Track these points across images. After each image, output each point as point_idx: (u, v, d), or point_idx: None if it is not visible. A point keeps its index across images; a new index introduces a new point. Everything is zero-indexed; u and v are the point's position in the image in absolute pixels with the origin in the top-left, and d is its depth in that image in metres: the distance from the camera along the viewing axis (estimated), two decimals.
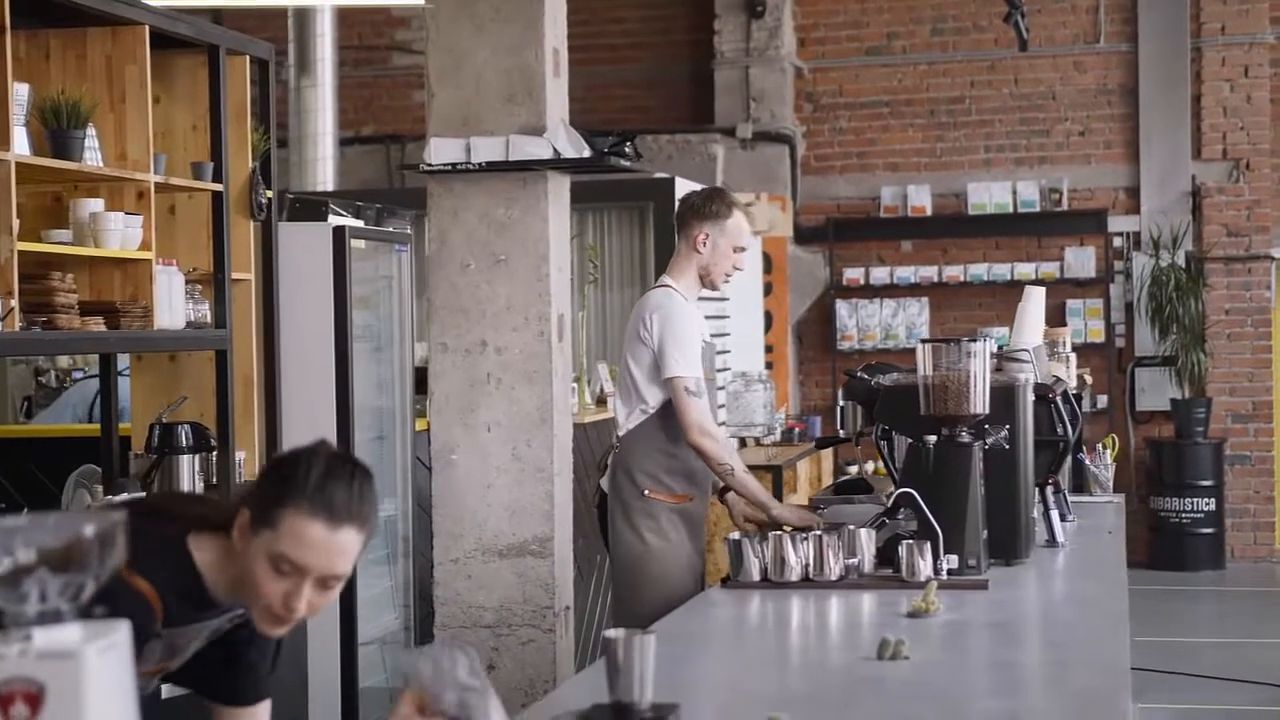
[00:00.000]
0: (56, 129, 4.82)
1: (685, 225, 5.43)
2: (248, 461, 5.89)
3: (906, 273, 13.00)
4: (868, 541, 4.33)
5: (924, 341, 4.46)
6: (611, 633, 2.75)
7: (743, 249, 5.41)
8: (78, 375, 8.34)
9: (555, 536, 5.99)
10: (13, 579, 1.74)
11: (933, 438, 4.39)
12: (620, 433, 5.39)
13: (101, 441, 5.69)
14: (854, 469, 12.29)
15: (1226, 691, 8.54)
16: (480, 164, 5.91)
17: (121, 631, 1.77)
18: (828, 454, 11.43)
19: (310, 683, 5.95)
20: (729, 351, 10.70)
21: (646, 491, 5.25)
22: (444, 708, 2.44)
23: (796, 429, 11.20)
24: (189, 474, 5.44)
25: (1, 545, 1.74)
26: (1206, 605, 11.60)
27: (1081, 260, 12.78)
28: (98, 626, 1.77)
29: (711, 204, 5.39)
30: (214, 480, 5.63)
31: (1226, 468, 12.57)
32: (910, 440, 4.50)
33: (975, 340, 4.42)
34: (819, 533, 4.32)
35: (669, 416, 5.22)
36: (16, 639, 1.73)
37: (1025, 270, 12.71)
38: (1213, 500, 12.38)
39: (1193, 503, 12.36)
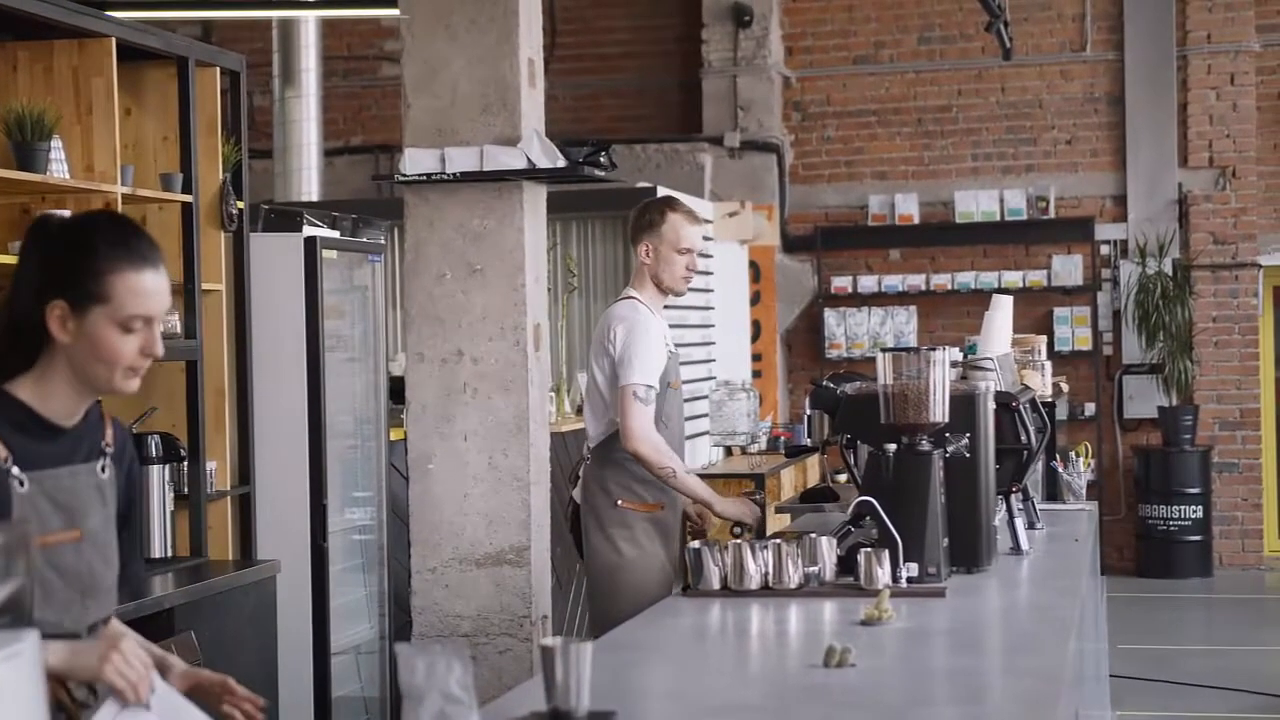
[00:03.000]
0: (21, 141, 4.84)
1: (632, 240, 5.52)
2: (219, 472, 5.90)
3: (894, 281, 13.01)
4: (829, 550, 4.34)
5: (884, 350, 4.47)
6: (548, 641, 2.77)
7: (688, 250, 5.42)
8: None
9: (532, 545, 6.00)
10: None
11: (892, 446, 4.39)
12: (591, 444, 5.44)
13: None
14: (843, 477, 12.29)
15: (1212, 699, 8.54)
16: (455, 174, 5.93)
17: (28, 641, 1.79)
18: (814, 462, 11.42)
19: (281, 693, 5.95)
20: (714, 360, 10.72)
21: (620, 502, 5.29)
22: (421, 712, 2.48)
23: (783, 438, 11.20)
24: (159, 485, 5.45)
25: None
26: (1194, 613, 11.61)
27: (1069, 268, 12.79)
28: (6, 636, 1.78)
29: (645, 215, 5.47)
30: (184, 491, 5.64)
31: (1214, 475, 12.58)
32: (871, 449, 4.51)
33: (935, 349, 4.43)
34: (778, 541, 4.33)
35: None
36: None
37: (1013, 278, 12.72)
38: (1200, 508, 12.39)
39: (1180, 510, 12.36)
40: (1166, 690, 8.74)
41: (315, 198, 10.73)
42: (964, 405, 4.53)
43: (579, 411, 8.02)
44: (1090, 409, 12.68)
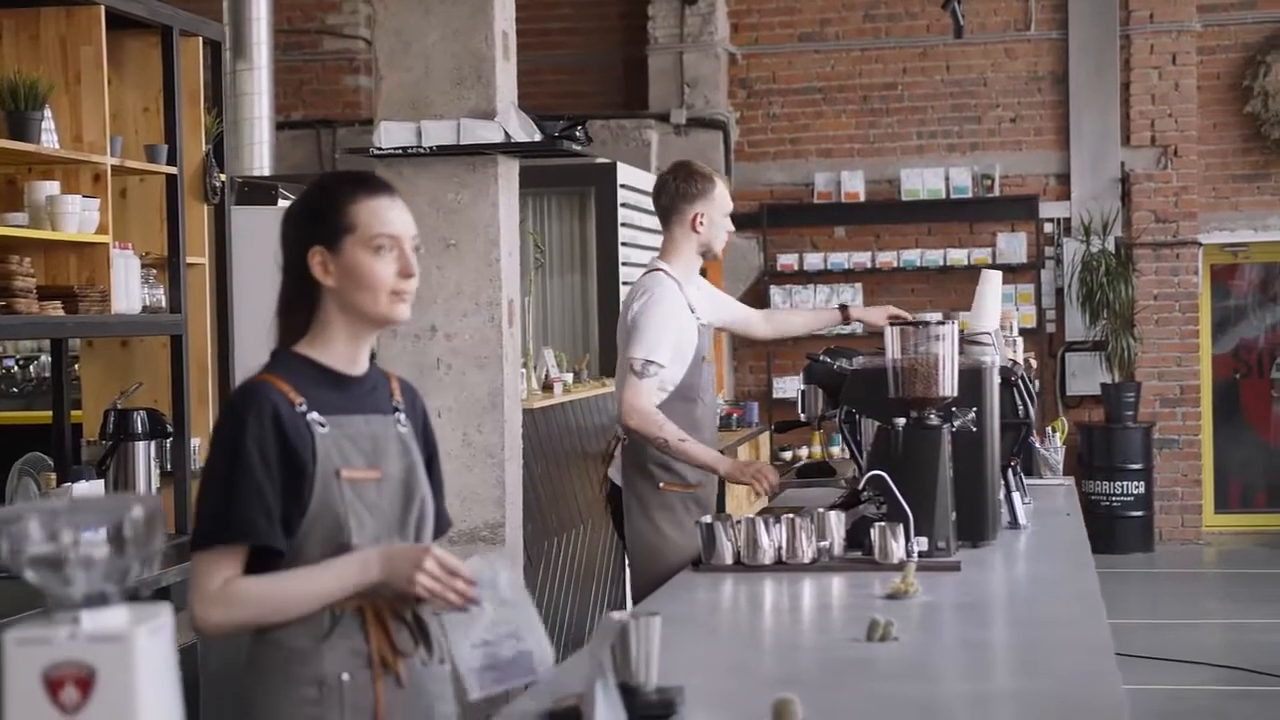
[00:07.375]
0: (14, 110, 4.74)
1: (674, 211, 5.36)
2: (203, 448, 5.82)
3: (840, 259, 13.05)
4: (837, 525, 4.34)
5: (892, 324, 4.47)
6: (618, 615, 2.74)
7: (729, 213, 5.46)
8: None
9: (506, 522, 5.98)
10: (58, 562, 1.71)
11: (901, 420, 4.39)
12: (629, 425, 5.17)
13: (53, 429, 5.59)
14: (789, 453, 12.34)
15: (1157, 671, 8.64)
16: (431, 148, 5.87)
17: (165, 614, 1.75)
18: (764, 439, 11.46)
19: None
20: None
21: (662, 484, 5.16)
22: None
23: (734, 415, 11.23)
24: (144, 461, 5.36)
25: (45, 528, 1.72)
26: (1136, 587, 11.73)
27: (1013, 246, 12.88)
28: (144, 609, 1.74)
29: (695, 183, 5.34)
30: (169, 468, 5.55)
31: (1155, 451, 12.72)
32: (878, 423, 4.51)
33: (944, 323, 4.43)
34: (791, 516, 4.31)
35: (677, 405, 5.14)
36: (64, 622, 1.70)
37: (958, 256, 12.79)
38: (1142, 483, 12.52)
39: (1122, 486, 12.50)
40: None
41: (268, 172, 10.59)
42: (970, 379, 4.54)
43: (546, 388, 7.97)
44: (1035, 385, 12.76)
